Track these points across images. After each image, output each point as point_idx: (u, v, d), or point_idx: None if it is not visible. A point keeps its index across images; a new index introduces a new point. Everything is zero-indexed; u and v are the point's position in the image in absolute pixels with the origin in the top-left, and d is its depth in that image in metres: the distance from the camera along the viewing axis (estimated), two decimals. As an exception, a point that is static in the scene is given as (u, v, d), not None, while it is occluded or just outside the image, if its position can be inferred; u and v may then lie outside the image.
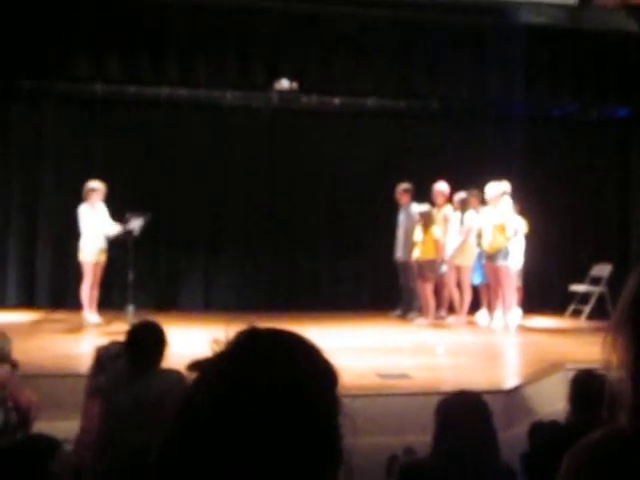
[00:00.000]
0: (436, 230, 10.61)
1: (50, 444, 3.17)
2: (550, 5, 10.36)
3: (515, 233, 10.39)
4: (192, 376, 1.08)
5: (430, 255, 10.56)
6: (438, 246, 10.60)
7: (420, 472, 2.99)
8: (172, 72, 10.86)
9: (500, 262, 10.29)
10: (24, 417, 5.12)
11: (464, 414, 2.93)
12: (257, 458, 0.99)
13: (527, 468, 3.77)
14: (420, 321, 10.61)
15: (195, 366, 1.08)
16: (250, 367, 1.04)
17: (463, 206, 10.83)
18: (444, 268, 10.77)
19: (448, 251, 10.69)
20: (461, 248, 10.68)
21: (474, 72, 11.29)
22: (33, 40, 10.37)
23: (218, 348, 1.09)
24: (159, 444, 1.06)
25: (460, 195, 10.87)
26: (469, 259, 10.73)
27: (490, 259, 10.43)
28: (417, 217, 10.73)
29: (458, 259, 10.70)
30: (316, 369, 1.08)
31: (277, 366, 1.05)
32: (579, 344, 8.93)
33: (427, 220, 10.57)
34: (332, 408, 1.07)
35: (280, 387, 1.02)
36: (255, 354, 1.06)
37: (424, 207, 10.72)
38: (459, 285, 10.82)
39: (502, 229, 10.28)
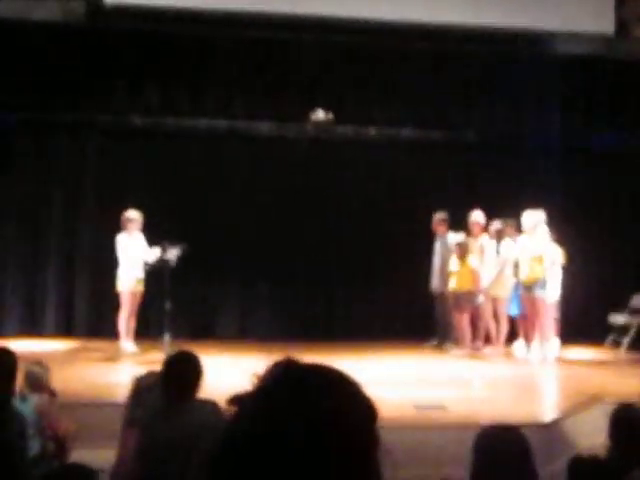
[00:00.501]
0: (473, 260, 10.55)
1: (87, 473, 3.18)
2: (586, 35, 10.32)
3: (552, 263, 10.29)
4: (231, 410, 1.09)
5: (466, 286, 10.49)
6: (475, 276, 10.53)
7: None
8: (209, 104, 11.01)
9: (537, 293, 10.18)
10: (61, 446, 5.17)
11: (503, 448, 2.89)
12: None
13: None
14: (456, 352, 10.53)
15: (235, 400, 1.09)
16: (288, 402, 1.05)
17: (499, 236, 10.76)
18: (480, 299, 10.69)
19: (484, 281, 10.62)
20: (497, 279, 10.59)
21: (511, 102, 11.28)
22: (75, 73, 10.60)
23: (257, 381, 1.10)
24: (199, 471, 1.06)
25: (496, 225, 10.81)
26: (505, 290, 10.64)
27: (527, 290, 10.32)
28: (454, 247, 10.68)
29: (494, 290, 10.62)
30: (354, 404, 1.08)
31: (315, 401, 1.05)
32: (618, 376, 8.80)
33: (464, 250, 10.52)
34: (371, 444, 1.07)
35: (318, 423, 1.02)
36: (292, 389, 1.07)
37: (460, 237, 10.67)
38: (495, 316, 10.72)
39: (539, 259, 10.18)
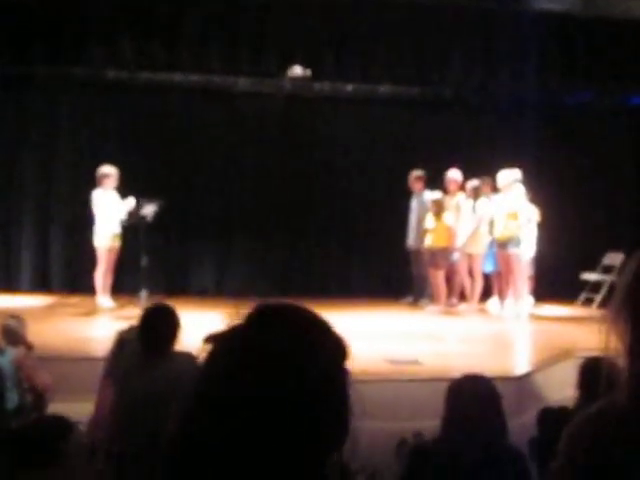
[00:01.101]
0: (448, 218, 10.61)
1: (64, 425, 3.22)
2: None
3: (527, 221, 10.38)
4: (206, 348, 1.12)
5: (442, 243, 10.56)
6: (450, 234, 10.60)
7: (429, 453, 3.03)
8: (185, 58, 10.88)
9: (512, 250, 10.28)
10: (39, 398, 5.20)
11: (473, 396, 2.96)
12: (270, 424, 1.03)
13: (536, 452, 3.80)
14: (431, 308, 10.64)
15: (211, 338, 1.12)
16: (264, 337, 1.08)
17: (475, 194, 10.81)
18: (456, 256, 10.78)
19: (460, 239, 10.69)
20: (473, 236, 10.67)
21: (486, 60, 11.27)
22: (47, 26, 10.42)
23: (231, 322, 1.13)
24: (177, 417, 1.10)
25: (472, 183, 10.86)
26: (481, 247, 10.73)
27: (502, 247, 10.42)
28: (429, 204, 10.73)
29: (470, 247, 10.71)
30: (327, 340, 1.13)
31: (289, 336, 1.09)
32: (590, 332, 8.89)
33: (439, 208, 10.57)
34: (343, 378, 1.11)
35: (292, 357, 1.07)
36: (269, 325, 1.11)
37: (436, 194, 10.72)
38: (471, 273, 10.82)
39: (514, 217, 10.27)
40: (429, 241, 10.65)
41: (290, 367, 1.06)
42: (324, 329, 1.14)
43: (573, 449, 1.22)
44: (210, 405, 1.07)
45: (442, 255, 10.58)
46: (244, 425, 1.04)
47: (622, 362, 1.24)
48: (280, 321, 1.12)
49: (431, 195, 10.79)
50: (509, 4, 10.65)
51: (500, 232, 10.40)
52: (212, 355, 1.11)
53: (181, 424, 1.10)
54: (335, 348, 1.13)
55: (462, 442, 2.89)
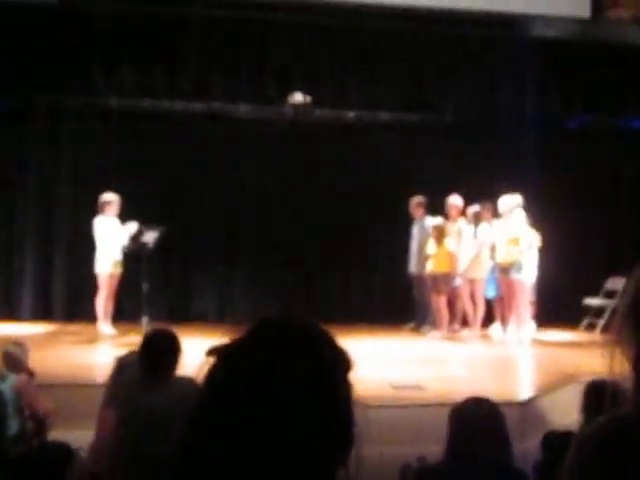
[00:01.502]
0: (450, 243, 10.61)
1: (65, 452, 3.21)
2: (562, 18, 10.37)
3: (529, 246, 10.38)
4: (209, 361, 1.12)
5: (444, 268, 10.55)
6: (452, 259, 10.60)
7: (433, 477, 3.00)
8: (186, 85, 10.95)
9: (514, 275, 10.27)
10: (40, 425, 5.18)
11: (477, 418, 2.94)
12: (274, 436, 1.03)
13: (540, 476, 3.77)
14: (433, 334, 10.60)
15: (213, 351, 1.12)
16: (267, 348, 1.08)
17: (476, 219, 10.82)
18: (458, 281, 10.76)
19: (462, 264, 10.68)
20: (474, 261, 10.67)
21: (487, 85, 11.33)
22: (50, 56, 10.51)
23: (235, 336, 1.13)
24: (180, 433, 1.09)
25: (473, 208, 10.87)
26: (482, 272, 10.72)
27: (504, 272, 10.41)
28: (431, 230, 10.74)
29: (471, 272, 10.69)
30: (331, 351, 1.13)
31: (294, 347, 1.09)
32: (593, 357, 8.87)
33: (441, 233, 10.58)
34: (346, 390, 1.11)
35: (297, 366, 1.06)
36: (272, 337, 1.10)
37: (438, 220, 10.73)
38: (472, 298, 10.80)
39: (515, 242, 10.27)
40: (431, 267, 10.65)
41: (294, 378, 1.06)
42: (328, 341, 1.14)
43: (581, 459, 1.21)
44: (213, 417, 1.06)
45: (444, 280, 10.57)
46: (248, 437, 1.03)
47: (628, 378, 1.24)
48: (283, 333, 1.12)
49: (432, 221, 10.80)
50: (508, 30, 10.72)
51: (502, 257, 10.39)
52: (215, 367, 1.11)
53: (184, 438, 1.09)
54: (339, 360, 1.13)
55: (466, 464, 2.87)
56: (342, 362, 1.13)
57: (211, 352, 1.12)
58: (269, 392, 1.04)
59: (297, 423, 1.04)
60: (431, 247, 10.67)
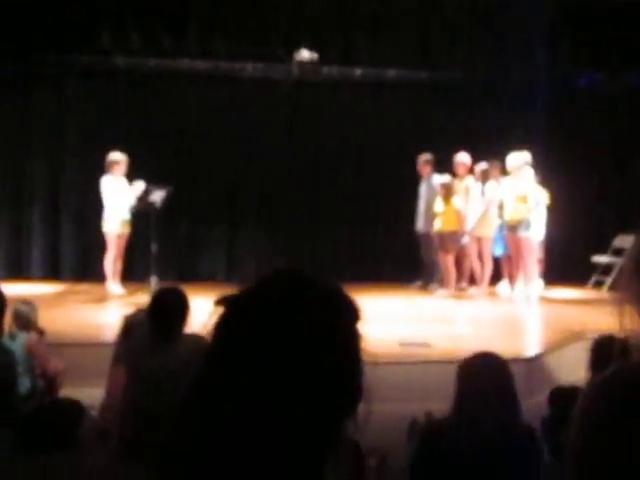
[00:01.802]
0: (457, 201, 10.58)
1: (76, 409, 3.23)
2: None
3: (537, 204, 10.33)
4: (218, 312, 1.12)
5: (451, 226, 10.54)
6: (459, 217, 10.57)
7: (441, 432, 3.02)
8: (192, 44, 10.86)
9: (521, 233, 10.24)
10: (51, 383, 5.23)
11: (485, 373, 2.96)
12: (284, 383, 1.03)
13: (547, 432, 3.80)
14: (441, 292, 10.62)
15: (222, 301, 1.12)
16: (276, 298, 1.08)
17: (484, 177, 10.77)
18: (465, 239, 10.75)
19: (469, 222, 10.66)
20: (482, 219, 10.63)
21: (495, 43, 11.19)
22: (56, 14, 10.42)
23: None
24: (189, 385, 1.10)
25: (481, 166, 10.81)
26: (490, 230, 10.69)
27: (511, 230, 10.38)
28: (438, 188, 10.70)
29: (479, 230, 10.67)
30: (341, 301, 1.13)
31: (303, 296, 1.09)
32: (601, 315, 8.89)
33: (448, 191, 10.54)
34: (355, 340, 1.11)
35: (306, 315, 1.07)
36: (281, 287, 1.10)
37: (445, 178, 10.68)
38: (480, 256, 10.79)
39: (524, 200, 10.22)
40: (438, 225, 10.63)
41: (304, 326, 1.06)
42: (337, 291, 1.15)
43: (589, 409, 1.22)
44: (224, 366, 1.07)
45: (451, 239, 10.56)
46: (259, 385, 1.04)
47: (637, 333, 1.23)
48: (292, 283, 1.12)
49: (440, 179, 10.75)
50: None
51: (510, 215, 10.36)
52: (224, 317, 1.11)
53: (193, 388, 1.10)
54: (348, 310, 1.13)
55: (474, 419, 2.89)
56: (351, 312, 1.14)
57: (220, 302, 1.12)
58: (278, 341, 1.05)
59: (307, 372, 1.05)
60: (439, 205, 10.64)
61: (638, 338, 1.23)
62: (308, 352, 1.05)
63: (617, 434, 1.14)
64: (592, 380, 1.27)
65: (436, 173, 10.99)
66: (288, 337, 1.05)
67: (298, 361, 1.05)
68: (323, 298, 1.12)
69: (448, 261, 10.64)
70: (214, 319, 1.11)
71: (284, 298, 1.09)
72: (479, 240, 10.73)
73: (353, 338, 1.12)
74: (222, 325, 1.10)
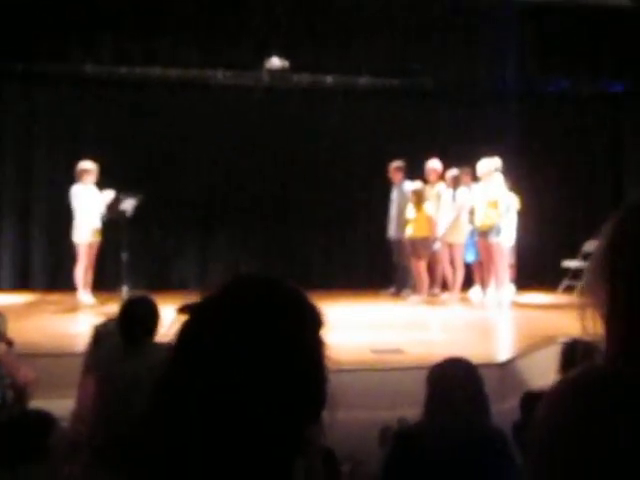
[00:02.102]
0: (429, 207, 10.63)
1: (46, 420, 3.20)
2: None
3: (507, 209, 10.41)
4: (181, 318, 1.12)
5: (423, 232, 10.58)
6: (431, 223, 10.62)
7: (412, 438, 3.03)
8: (163, 52, 10.83)
9: (492, 238, 10.30)
10: (21, 394, 5.16)
11: (454, 378, 2.97)
12: (245, 389, 1.03)
13: (518, 437, 3.81)
14: (413, 298, 10.66)
15: (184, 309, 1.12)
16: (239, 304, 1.08)
17: (455, 183, 10.84)
18: (437, 245, 10.80)
19: (441, 228, 10.71)
20: (453, 225, 10.69)
21: (466, 49, 11.29)
22: (25, 22, 10.34)
23: (206, 293, 1.13)
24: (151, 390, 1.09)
25: (452, 172, 10.87)
26: (461, 236, 10.75)
27: (482, 236, 10.44)
28: (410, 195, 10.74)
29: (450, 236, 10.72)
30: (302, 308, 1.13)
31: (265, 302, 1.09)
32: (572, 319, 8.93)
33: (420, 197, 10.59)
34: (318, 347, 1.11)
35: (268, 321, 1.06)
36: (243, 293, 1.10)
37: (417, 184, 10.73)
38: (452, 262, 10.84)
39: (494, 205, 10.29)
40: (410, 231, 10.67)
41: (265, 333, 1.06)
42: (299, 297, 1.15)
43: (551, 411, 1.23)
44: (187, 374, 1.06)
45: (423, 245, 10.60)
46: (222, 390, 1.04)
47: (601, 336, 1.25)
48: (254, 289, 1.12)
49: (411, 185, 10.80)
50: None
51: (481, 221, 10.42)
52: (185, 324, 1.11)
53: (155, 394, 1.09)
54: (310, 316, 1.14)
55: (445, 424, 2.90)
56: (313, 319, 1.14)
57: (182, 309, 1.12)
58: (238, 347, 1.05)
59: (270, 378, 1.05)
60: (410, 211, 10.68)
61: (601, 341, 1.24)
62: (271, 357, 1.06)
63: (578, 436, 1.15)
64: (555, 383, 1.28)
65: (407, 179, 11.03)
66: (251, 343, 1.05)
67: (261, 366, 1.05)
68: (286, 304, 1.12)
69: (420, 267, 10.67)
70: (177, 326, 1.11)
71: (247, 304, 1.09)
72: (450, 246, 10.79)
73: (317, 345, 1.12)
74: (185, 332, 1.10)
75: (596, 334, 1.27)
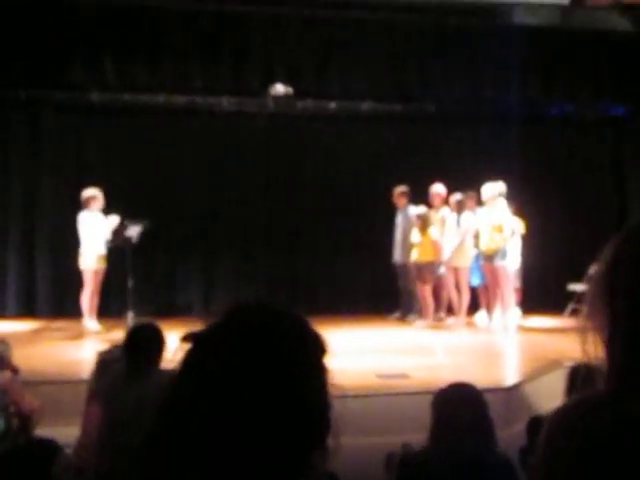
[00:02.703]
0: (433, 232, 10.64)
1: (51, 448, 3.19)
2: (542, 5, 10.38)
3: (512, 233, 10.41)
4: (185, 347, 1.12)
5: (428, 257, 10.58)
6: (436, 248, 10.63)
7: (418, 464, 3.02)
8: (168, 79, 10.89)
9: (498, 262, 10.30)
10: (26, 422, 5.15)
11: (460, 403, 2.96)
12: (250, 418, 1.04)
13: (525, 462, 3.79)
14: (419, 323, 10.64)
15: (188, 337, 1.13)
16: (242, 333, 1.09)
17: (459, 207, 10.85)
18: (442, 270, 10.79)
19: (446, 253, 10.71)
20: (458, 249, 10.69)
21: (468, 73, 11.33)
22: (30, 49, 10.41)
23: (210, 322, 1.14)
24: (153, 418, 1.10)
25: (456, 196, 10.89)
26: (466, 260, 10.75)
27: (488, 260, 10.44)
28: (414, 219, 10.76)
29: (455, 261, 10.72)
30: (304, 337, 1.14)
31: (268, 331, 1.09)
32: (578, 343, 8.92)
33: (424, 222, 10.60)
34: (321, 374, 1.12)
35: (272, 350, 1.07)
36: (246, 322, 1.11)
37: (421, 209, 10.75)
38: (457, 286, 10.82)
39: (499, 230, 10.29)
40: (415, 256, 10.67)
41: (269, 360, 1.07)
42: (302, 325, 1.15)
43: (550, 438, 1.23)
44: (188, 403, 1.07)
45: (428, 269, 10.60)
46: (224, 417, 1.04)
47: (602, 355, 1.25)
48: (258, 317, 1.13)
49: (416, 210, 10.82)
50: (489, 19, 10.72)
51: (486, 245, 10.42)
52: (189, 353, 1.12)
53: (159, 418, 1.10)
54: (313, 344, 1.14)
55: (450, 450, 2.89)
56: (317, 346, 1.14)
57: (185, 338, 1.13)
58: (242, 374, 1.05)
59: (274, 405, 1.05)
60: (415, 236, 10.69)
61: (601, 365, 1.24)
62: (275, 384, 1.06)
63: (578, 462, 1.16)
64: (556, 409, 1.28)
65: (412, 204, 11.05)
66: (255, 370, 1.06)
67: (265, 393, 1.05)
68: (290, 331, 1.13)
69: (426, 291, 10.66)
70: (181, 354, 1.12)
71: (250, 332, 1.10)
72: (456, 270, 10.78)
73: (320, 371, 1.13)
74: (190, 359, 1.11)
75: (598, 358, 1.27)
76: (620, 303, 1.22)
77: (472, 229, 10.66)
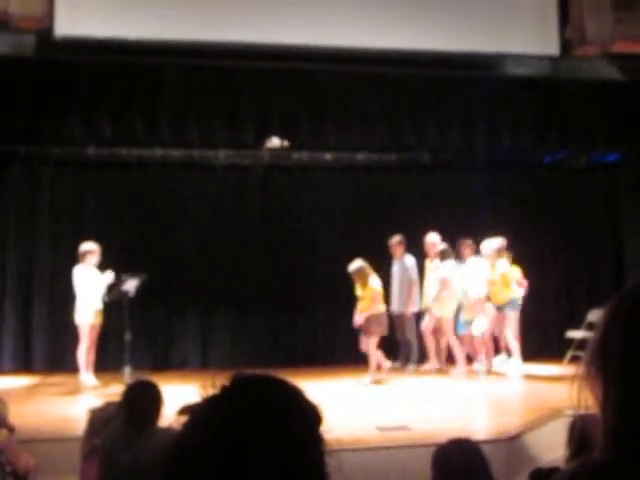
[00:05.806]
0: (373, 282, 10.37)
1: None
2: (532, 56, 10.53)
3: (518, 283, 10.61)
4: (181, 420, 1.12)
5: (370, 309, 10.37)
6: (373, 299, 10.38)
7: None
8: (164, 133, 10.97)
9: (509, 312, 10.50)
10: (21, 482, 5.09)
11: (459, 461, 2.93)
12: None
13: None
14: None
15: (185, 410, 1.12)
16: (238, 407, 1.08)
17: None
18: (425, 319, 10.86)
19: (427, 301, 10.79)
20: (437, 299, 10.73)
21: (462, 124, 11.44)
22: (26, 106, 10.50)
23: (206, 393, 1.13)
24: None
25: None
26: (447, 310, 10.75)
27: (499, 310, 10.59)
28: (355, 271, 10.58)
29: (437, 310, 10.75)
30: (299, 409, 1.13)
31: (265, 405, 1.09)
32: (575, 397, 8.86)
33: (363, 275, 10.43)
34: (317, 445, 1.11)
35: (266, 428, 1.07)
36: (243, 395, 1.11)
37: (358, 263, 10.55)
38: (439, 334, 10.86)
39: (506, 280, 10.51)
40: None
41: (265, 437, 1.06)
42: (298, 397, 1.15)
43: None
44: (184, 477, 1.06)
45: (374, 321, 10.39)
46: None
47: (591, 411, 1.25)
48: (254, 391, 1.12)
49: (412, 260, 10.87)
50: (482, 70, 10.85)
51: (495, 296, 10.56)
52: (187, 426, 1.11)
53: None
54: (309, 415, 1.14)
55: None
56: (312, 416, 1.14)
57: (183, 411, 1.13)
58: (240, 451, 1.05)
59: (266, 476, 1.04)
60: (358, 290, 10.48)
61: (593, 418, 1.24)
62: (271, 455, 1.06)
63: None
64: (557, 475, 1.28)
65: (408, 254, 11.08)
66: (251, 442, 1.05)
67: (261, 464, 1.05)
68: (285, 403, 1.12)
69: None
70: (178, 426, 1.12)
71: (246, 405, 1.09)
72: (438, 320, 10.83)
73: (316, 442, 1.12)
74: (184, 434, 1.11)
75: (586, 407, 1.27)
76: (613, 368, 1.23)
77: (452, 278, 10.69)
